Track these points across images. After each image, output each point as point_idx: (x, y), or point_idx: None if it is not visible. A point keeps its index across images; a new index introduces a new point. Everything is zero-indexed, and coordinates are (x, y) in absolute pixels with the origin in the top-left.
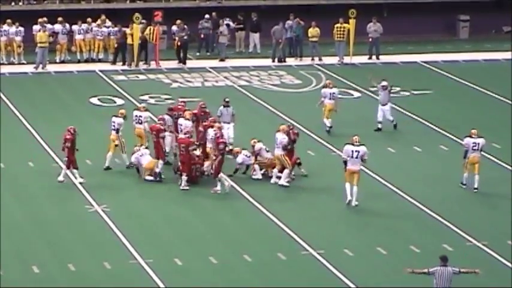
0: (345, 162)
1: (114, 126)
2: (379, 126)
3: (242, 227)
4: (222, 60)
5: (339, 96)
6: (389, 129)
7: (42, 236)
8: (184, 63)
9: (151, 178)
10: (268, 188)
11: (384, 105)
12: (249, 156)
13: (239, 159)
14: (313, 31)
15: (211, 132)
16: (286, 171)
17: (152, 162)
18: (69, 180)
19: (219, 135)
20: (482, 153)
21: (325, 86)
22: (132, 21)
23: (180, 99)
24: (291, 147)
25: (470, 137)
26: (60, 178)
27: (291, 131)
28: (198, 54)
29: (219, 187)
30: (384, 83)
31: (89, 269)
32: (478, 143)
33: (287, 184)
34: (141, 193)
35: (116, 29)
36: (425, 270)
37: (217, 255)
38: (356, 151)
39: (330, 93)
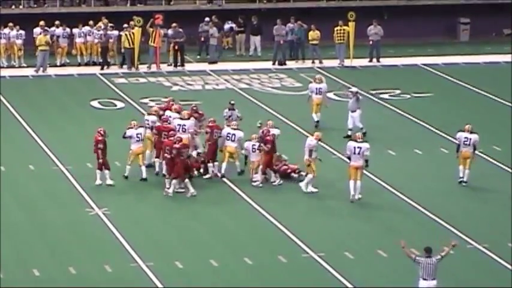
0: (349, 158)
1: (148, 124)
2: (349, 133)
3: (242, 230)
4: (212, 62)
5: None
6: (388, 132)
7: (43, 239)
8: (183, 65)
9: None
10: (268, 191)
11: (353, 111)
12: (254, 150)
13: (245, 144)
14: (314, 34)
15: (238, 133)
16: (309, 176)
17: (141, 149)
18: (70, 183)
19: (176, 140)
20: (484, 156)
21: (314, 81)
22: (128, 25)
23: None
24: (263, 148)
25: (464, 131)
26: (98, 182)
27: (265, 134)
28: (198, 57)
29: (170, 190)
30: (353, 89)
31: (89, 272)
32: (470, 138)
33: (315, 190)
34: (141, 196)
35: (101, 32)
36: (413, 256)
37: (217, 258)
38: (358, 147)
39: (317, 88)
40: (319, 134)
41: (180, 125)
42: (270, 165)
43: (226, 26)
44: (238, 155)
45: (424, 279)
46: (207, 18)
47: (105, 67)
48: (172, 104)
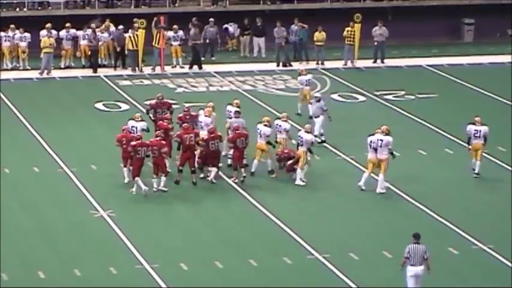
0: (374, 150)
1: (229, 114)
2: (323, 138)
3: (247, 232)
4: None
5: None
6: (393, 133)
7: (48, 241)
8: (192, 67)
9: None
10: (274, 192)
11: (316, 117)
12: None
13: (267, 130)
14: (319, 35)
15: (284, 125)
16: (381, 176)
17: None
18: (74, 185)
19: (136, 137)
20: (489, 156)
21: (299, 74)
22: (132, 27)
23: (158, 95)
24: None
25: (474, 124)
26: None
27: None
28: (202, 58)
29: (134, 188)
30: (317, 95)
31: (94, 274)
32: (480, 130)
33: (384, 191)
34: (146, 198)
35: (88, 32)
36: (404, 259)
37: (222, 260)
38: (380, 140)
39: (306, 80)
40: (386, 128)
41: (200, 121)
42: (240, 161)
43: (224, 27)
44: (269, 153)
45: (412, 265)
46: (211, 19)
47: (96, 69)
48: (162, 100)
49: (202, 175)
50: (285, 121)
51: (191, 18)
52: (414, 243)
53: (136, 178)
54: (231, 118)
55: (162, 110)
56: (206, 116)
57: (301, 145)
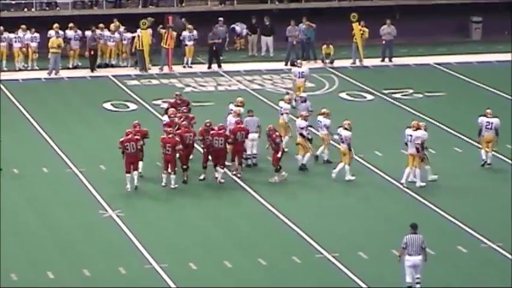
0: (406, 145)
1: (281, 111)
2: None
3: (256, 231)
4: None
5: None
6: (401, 132)
7: (57, 241)
8: (220, 66)
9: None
10: (282, 191)
11: None
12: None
13: (301, 123)
14: (327, 50)
15: (324, 121)
16: (418, 170)
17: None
18: (83, 186)
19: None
20: (497, 154)
21: (294, 66)
22: (139, 26)
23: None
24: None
25: (486, 116)
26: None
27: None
28: None
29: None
30: (302, 95)
31: (103, 274)
32: (492, 122)
33: (424, 184)
34: (154, 197)
35: (88, 33)
36: (401, 250)
37: (231, 259)
38: (409, 135)
39: (299, 72)
40: (416, 123)
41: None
42: (239, 155)
43: (231, 27)
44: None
45: (410, 254)
46: (220, 19)
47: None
48: (181, 97)
49: (203, 176)
50: (326, 117)
51: (199, 17)
52: (412, 233)
53: (128, 175)
54: (282, 114)
55: (181, 108)
56: (233, 116)
57: (342, 142)
